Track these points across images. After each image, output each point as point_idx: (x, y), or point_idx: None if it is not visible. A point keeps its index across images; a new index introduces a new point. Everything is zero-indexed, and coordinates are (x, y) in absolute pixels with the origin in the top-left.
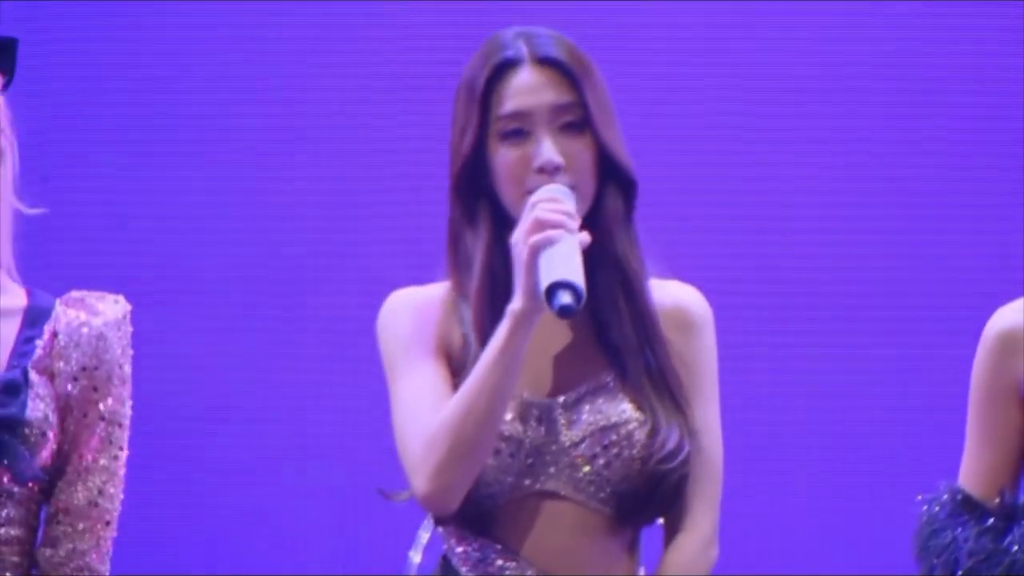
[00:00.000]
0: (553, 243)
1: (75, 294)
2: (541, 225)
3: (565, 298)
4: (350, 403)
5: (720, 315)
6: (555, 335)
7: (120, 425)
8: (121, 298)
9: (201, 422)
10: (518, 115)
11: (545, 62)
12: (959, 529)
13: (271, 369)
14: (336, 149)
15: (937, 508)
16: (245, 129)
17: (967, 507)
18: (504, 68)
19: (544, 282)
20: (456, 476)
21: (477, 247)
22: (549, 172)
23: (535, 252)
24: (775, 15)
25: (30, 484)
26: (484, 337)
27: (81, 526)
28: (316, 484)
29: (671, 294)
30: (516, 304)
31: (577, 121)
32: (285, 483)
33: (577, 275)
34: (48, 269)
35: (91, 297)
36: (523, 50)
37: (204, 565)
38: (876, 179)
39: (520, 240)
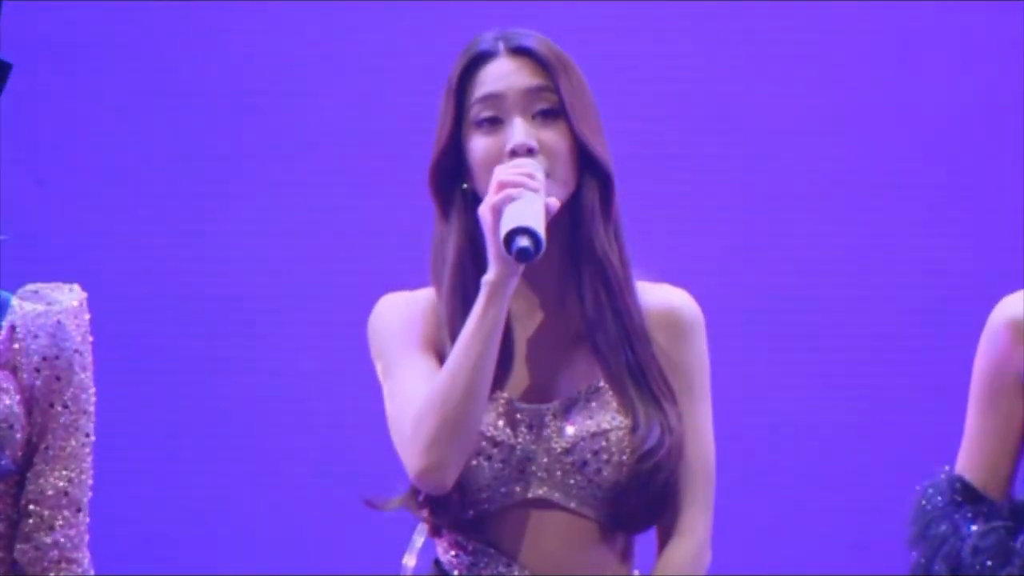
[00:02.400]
0: (513, 200)
1: (30, 287)
2: (502, 186)
3: (523, 242)
4: (346, 406)
5: (717, 317)
6: (545, 341)
7: (85, 412)
8: (76, 286)
9: (197, 425)
10: (490, 98)
11: (519, 51)
12: (960, 522)
13: (266, 372)
14: (336, 149)
15: (935, 495)
16: (240, 127)
17: (966, 496)
18: (479, 60)
19: (502, 232)
20: (447, 451)
21: (450, 242)
22: (520, 155)
23: (497, 212)
24: (774, 15)
25: (5, 479)
26: (455, 330)
27: (53, 515)
28: (311, 487)
29: (661, 297)
30: (489, 273)
31: (552, 109)
32: (280, 485)
33: (535, 222)
34: (42, 271)
35: (46, 288)
36: (499, 44)
37: (198, 566)
38: (873, 178)
39: (484, 207)
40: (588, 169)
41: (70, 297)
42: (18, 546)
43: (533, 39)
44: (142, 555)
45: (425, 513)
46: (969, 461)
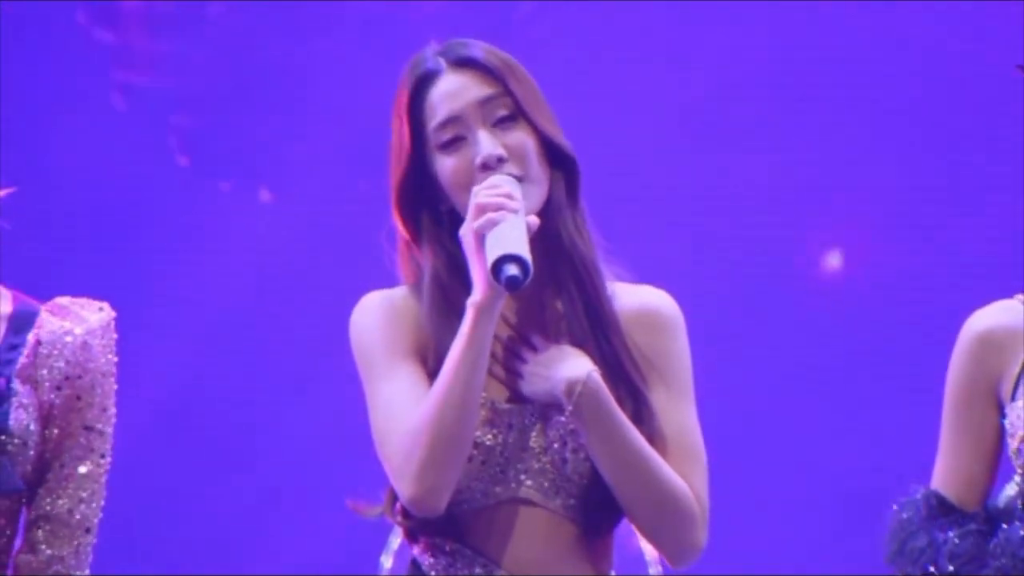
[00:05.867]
0: (496, 224)
1: (60, 301)
2: (482, 210)
3: (511, 270)
4: (324, 407)
5: (708, 316)
6: (525, 341)
7: (102, 433)
8: (106, 305)
9: (180, 427)
10: (450, 121)
11: (462, 64)
12: (937, 532)
13: (247, 374)
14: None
15: (912, 512)
16: (232, 126)
17: (943, 511)
18: (425, 81)
19: (489, 260)
20: (440, 475)
21: (425, 262)
22: (492, 166)
23: (480, 237)
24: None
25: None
26: (442, 349)
27: (61, 533)
28: (290, 487)
29: (641, 298)
30: (475, 295)
31: (509, 114)
32: (260, 486)
33: (521, 248)
34: (19, 271)
35: (75, 304)
36: (440, 61)
37: (179, 565)
38: (857, 180)
39: (466, 231)
40: (554, 162)
41: (99, 317)
42: (23, 555)
43: (473, 48)
44: (126, 556)
45: (401, 518)
46: (945, 475)
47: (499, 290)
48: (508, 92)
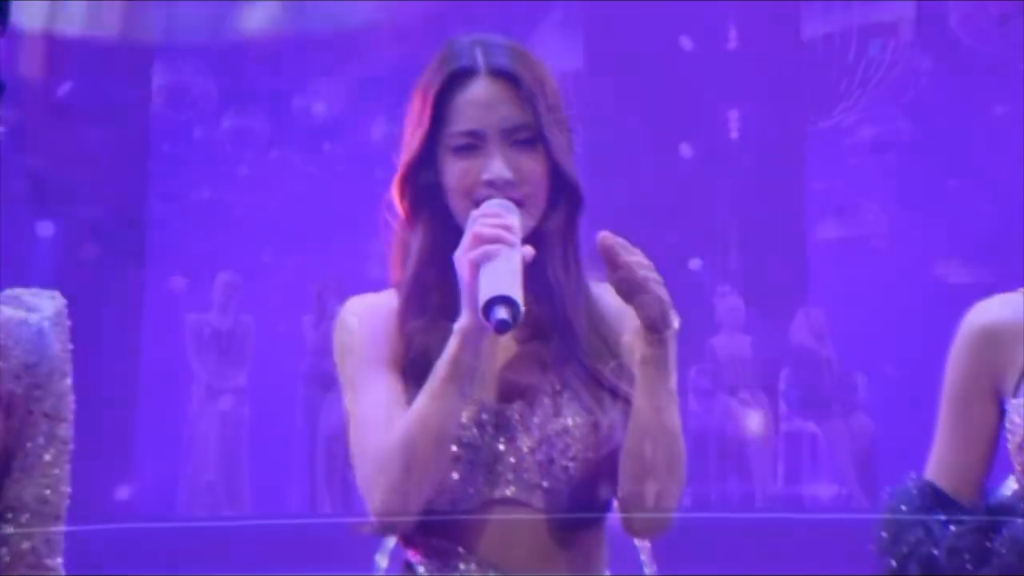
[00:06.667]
0: (492, 258)
1: (9, 292)
2: (480, 240)
3: (501, 313)
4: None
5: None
6: (511, 342)
7: (64, 420)
8: (57, 293)
9: (178, 423)
10: (471, 134)
11: (500, 74)
12: (932, 525)
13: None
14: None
15: (906, 501)
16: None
17: (938, 502)
18: (459, 77)
19: (482, 298)
20: (410, 495)
21: (413, 252)
22: (499, 187)
23: (475, 268)
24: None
25: None
26: (409, 342)
27: (31, 523)
28: (286, 487)
29: None
30: (462, 322)
31: (529, 138)
32: (258, 485)
33: (514, 289)
34: None
35: (26, 294)
36: (479, 60)
37: (174, 565)
38: (852, 181)
39: (461, 257)
40: (560, 191)
41: (52, 304)
42: None
43: (511, 56)
44: (120, 556)
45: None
46: (940, 467)
47: (487, 324)
48: (535, 118)
